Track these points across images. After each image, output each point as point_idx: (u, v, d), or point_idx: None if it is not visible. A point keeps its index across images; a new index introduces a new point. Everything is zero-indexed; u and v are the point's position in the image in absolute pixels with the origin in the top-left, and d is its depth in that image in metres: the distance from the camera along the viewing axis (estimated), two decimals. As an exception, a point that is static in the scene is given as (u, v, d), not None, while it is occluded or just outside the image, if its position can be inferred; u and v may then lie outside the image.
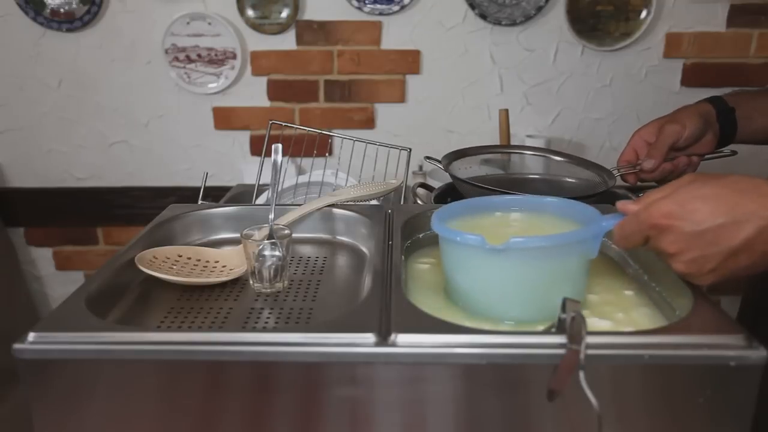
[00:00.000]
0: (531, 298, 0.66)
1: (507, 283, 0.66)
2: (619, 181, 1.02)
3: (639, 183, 1.02)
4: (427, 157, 1.09)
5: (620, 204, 0.63)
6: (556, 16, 1.56)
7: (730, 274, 0.58)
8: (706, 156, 1.02)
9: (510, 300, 0.66)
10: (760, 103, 0.99)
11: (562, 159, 1.08)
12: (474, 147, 1.10)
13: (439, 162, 1.06)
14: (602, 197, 0.96)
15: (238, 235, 0.79)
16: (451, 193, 1.12)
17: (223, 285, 0.76)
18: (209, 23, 1.56)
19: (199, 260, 0.81)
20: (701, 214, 0.56)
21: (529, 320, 0.65)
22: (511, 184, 1.08)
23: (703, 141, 0.98)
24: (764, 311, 1.01)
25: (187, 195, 1.67)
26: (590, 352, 0.51)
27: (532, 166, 1.11)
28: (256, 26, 1.57)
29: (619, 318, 0.66)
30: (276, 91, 1.64)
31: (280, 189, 1.20)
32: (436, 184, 1.21)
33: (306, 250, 0.88)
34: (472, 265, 0.66)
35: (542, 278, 0.65)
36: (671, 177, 1.00)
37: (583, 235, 0.66)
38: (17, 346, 0.56)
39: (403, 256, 0.73)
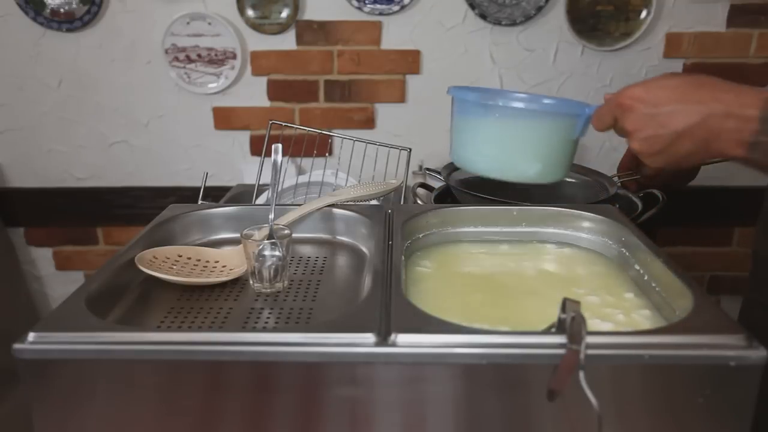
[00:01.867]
0: (515, 157, 0.81)
1: (496, 139, 0.80)
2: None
3: (641, 187, 1.02)
4: (428, 169, 1.10)
5: (606, 94, 0.73)
6: (556, 16, 1.56)
7: (675, 160, 0.66)
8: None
9: (497, 155, 0.82)
10: None
11: None
12: None
13: (439, 173, 1.06)
14: (606, 202, 0.96)
15: (238, 235, 0.79)
16: (451, 193, 1.12)
17: (223, 285, 0.76)
18: (209, 23, 1.56)
19: (199, 260, 0.81)
20: (659, 98, 0.64)
21: (512, 177, 0.83)
22: (512, 187, 1.09)
23: None
24: (765, 312, 1.01)
25: (187, 195, 1.67)
26: (590, 352, 0.51)
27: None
28: (256, 26, 1.57)
29: (620, 319, 0.66)
30: (276, 91, 1.64)
31: (280, 189, 1.20)
32: (437, 184, 1.21)
33: (306, 250, 0.88)
34: (471, 122, 0.83)
35: (524, 138, 0.79)
36: (673, 182, 1.00)
37: (561, 108, 0.80)
38: (17, 346, 0.56)
39: (403, 257, 0.73)
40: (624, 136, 0.69)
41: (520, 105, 0.78)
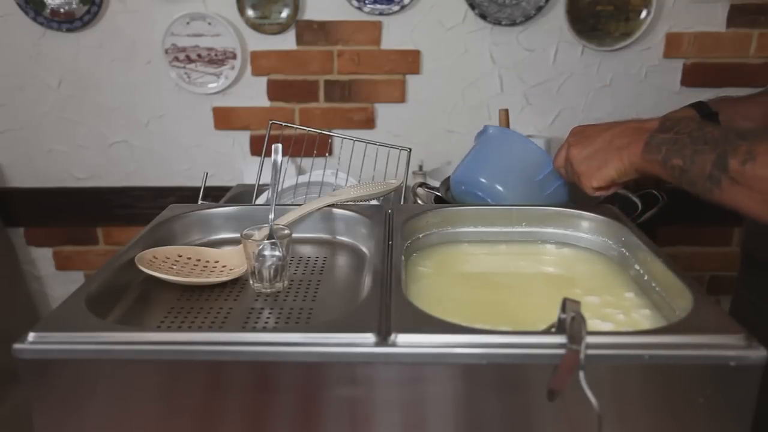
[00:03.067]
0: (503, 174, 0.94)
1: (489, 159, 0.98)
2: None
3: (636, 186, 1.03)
4: (426, 185, 1.11)
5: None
6: (556, 16, 1.56)
7: (599, 168, 0.78)
8: None
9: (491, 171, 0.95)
10: (741, 108, 1.01)
11: None
12: None
13: (437, 190, 1.07)
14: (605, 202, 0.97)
15: (238, 235, 0.79)
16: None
17: (223, 285, 0.76)
18: (209, 23, 1.56)
19: (199, 260, 0.81)
20: (590, 128, 0.82)
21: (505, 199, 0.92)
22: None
23: None
24: (758, 309, 1.01)
25: (187, 195, 1.67)
26: (590, 352, 0.51)
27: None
28: (256, 26, 1.57)
29: (620, 319, 0.66)
30: (276, 91, 1.64)
31: (280, 189, 1.20)
32: (437, 184, 1.21)
33: (306, 250, 0.88)
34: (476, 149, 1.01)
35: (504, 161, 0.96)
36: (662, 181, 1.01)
37: (533, 147, 0.94)
38: (17, 346, 0.56)
39: (403, 257, 0.73)
40: (572, 166, 0.82)
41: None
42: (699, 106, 1.00)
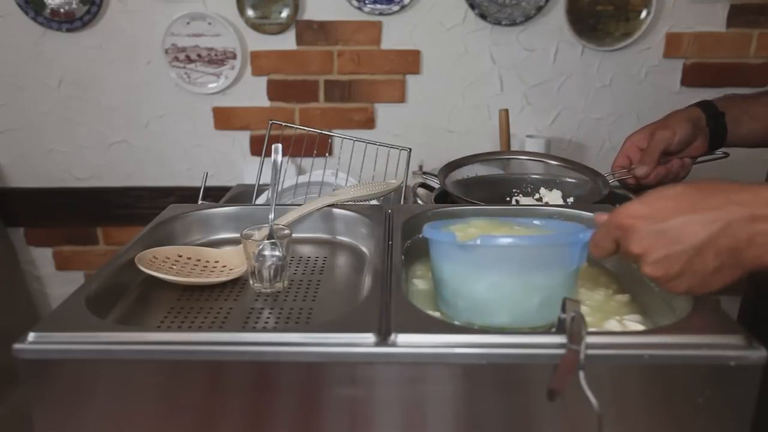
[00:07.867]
0: (510, 303, 0.61)
1: (483, 286, 0.61)
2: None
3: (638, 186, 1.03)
4: (424, 172, 1.10)
5: (596, 215, 0.61)
6: (556, 16, 1.56)
7: (701, 281, 0.54)
8: (699, 159, 1.03)
9: (488, 303, 0.62)
10: (749, 107, 1.00)
11: (558, 163, 1.09)
12: (469, 156, 1.10)
13: (435, 176, 1.06)
14: (605, 199, 0.97)
15: (238, 235, 0.79)
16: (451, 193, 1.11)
17: (223, 285, 0.76)
18: (209, 23, 1.56)
19: (199, 260, 0.81)
20: (664, 211, 0.54)
21: (508, 325, 0.62)
22: (512, 184, 1.09)
23: (694, 145, 1.00)
24: (763, 311, 1.01)
25: (187, 195, 1.67)
26: (590, 352, 0.51)
27: (531, 166, 1.12)
28: (256, 26, 1.57)
29: (619, 318, 0.66)
30: (276, 91, 1.64)
31: (280, 189, 1.20)
32: (436, 184, 1.21)
33: (306, 250, 0.88)
34: (448, 266, 0.63)
35: (518, 281, 0.61)
36: (666, 180, 1.01)
37: (556, 240, 0.64)
38: (17, 346, 0.56)
39: (403, 256, 0.73)
40: (632, 261, 0.57)
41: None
42: (705, 106, 1.00)
